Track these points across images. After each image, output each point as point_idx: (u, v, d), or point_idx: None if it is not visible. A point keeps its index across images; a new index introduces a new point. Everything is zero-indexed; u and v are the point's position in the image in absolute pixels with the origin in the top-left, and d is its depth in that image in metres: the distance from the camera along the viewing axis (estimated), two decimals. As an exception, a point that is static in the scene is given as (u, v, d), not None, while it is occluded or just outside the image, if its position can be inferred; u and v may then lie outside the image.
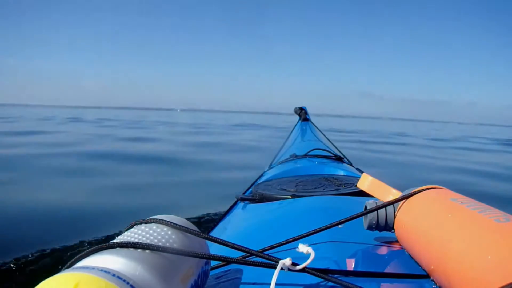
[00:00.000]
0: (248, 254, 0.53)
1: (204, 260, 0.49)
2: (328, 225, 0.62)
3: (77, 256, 0.40)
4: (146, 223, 0.48)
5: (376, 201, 0.65)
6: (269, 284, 0.44)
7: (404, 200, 0.61)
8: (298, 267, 0.48)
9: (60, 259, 1.82)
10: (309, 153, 1.90)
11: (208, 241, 0.51)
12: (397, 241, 0.64)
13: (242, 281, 0.56)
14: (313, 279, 0.50)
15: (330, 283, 0.50)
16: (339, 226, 0.62)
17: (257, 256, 0.50)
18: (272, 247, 0.62)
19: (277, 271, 0.46)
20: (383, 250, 0.64)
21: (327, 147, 2.21)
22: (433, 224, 0.51)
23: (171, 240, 0.45)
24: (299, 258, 0.49)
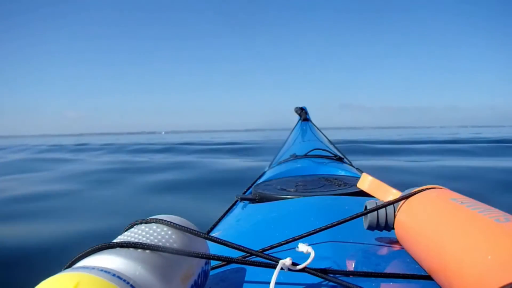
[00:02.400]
0: (248, 254, 0.53)
1: (204, 260, 0.49)
2: (328, 225, 0.62)
3: (77, 256, 0.40)
4: (146, 223, 0.48)
5: (376, 201, 0.65)
6: (269, 283, 0.44)
7: (404, 200, 0.61)
8: (298, 267, 0.48)
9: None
10: (309, 153, 1.90)
11: (208, 241, 0.51)
12: (397, 241, 0.64)
13: (242, 281, 0.56)
14: (313, 279, 0.51)
15: (330, 283, 0.50)
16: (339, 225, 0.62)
17: (257, 256, 0.50)
18: (272, 247, 0.62)
19: (277, 271, 0.46)
20: (383, 250, 0.64)
21: (327, 147, 2.21)
22: (433, 224, 0.51)
23: (171, 240, 0.45)
24: (299, 258, 0.49)
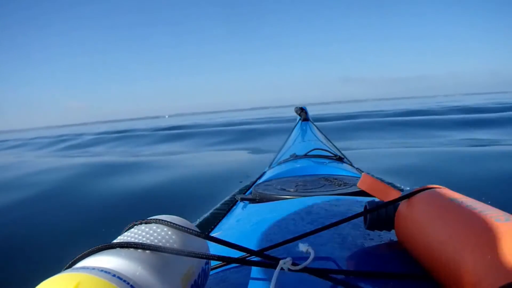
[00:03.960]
0: (248, 254, 0.53)
1: (204, 260, 0.49)
2: (328, 225, 0.62)
3: (77, 257, 0.40)
4: (146, 223, 0.48)
5: (376, 201, 0.65)
6: (269, 283, 0.44)
7: (404, 200, 0.61)
8: (298, 267, 0.48)
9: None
10: (309, 153, 1.90)
11: (208, 241, 0.51)
12: (397, 241, 0.64)
13: (242, 281, 0.56)
14: (313, 279, 0.51)
15: (330, 283, 0.50)
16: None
17: (257, 256, 0.50)
18: (272, 247, 0.62)
19: (277, 271, 0.46)
20: (383, 250, 0.64)
21: (327, 147, 2.21)
22: (433, 223, 0.51)
23: (171, 240, 0.45)
24: (299, 258, 0.49)
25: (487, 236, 0.41)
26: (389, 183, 0.70)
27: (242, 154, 6.94)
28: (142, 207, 3.06)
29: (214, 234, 0.91)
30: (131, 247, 0.40)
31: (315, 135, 2.60)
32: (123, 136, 14.03)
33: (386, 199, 0.65)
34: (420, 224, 0.54)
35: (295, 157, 1.91)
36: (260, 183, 1.41)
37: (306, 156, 1.88)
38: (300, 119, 2.91)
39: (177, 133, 12.74)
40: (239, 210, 1.19)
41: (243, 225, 0.96)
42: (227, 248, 0.51)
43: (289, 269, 0.48)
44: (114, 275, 0.34)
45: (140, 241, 0.42)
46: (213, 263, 0.56)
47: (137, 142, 11.08)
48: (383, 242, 0.67)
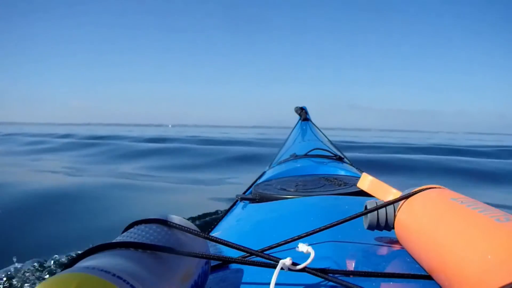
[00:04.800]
0: (248, 254, 0.53)
1: (204, 260, 0.49)
2: (328, 225, 0.62)
3: (77, 256, 0.40)
4: (146, 223, 0.48)
5: (376, 201, 0.65)
6: (269, 283, 0.44)
7: (404, 200, 0.61)
8: (298, 267, 0.48)
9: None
10: (309, 153, 1.90)
11: (208, 241, 0.51)
12: (397, 241, 0.64)
13: (242, 281, 0.56)
14: (313, 279, 0.51)
15: (330, 283, 0.50)
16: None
17: (257, 256, 0.50)
18: (272, 247, 0.62)
19: (277, 270, 0.46)
20: (383, 250, 0.64)
21: (328, 147, 2.21)
22: (433, 223, 0.51)
23: (171, 240, 0.45)
24: (299, 258, 0.49)
25: (487, 236, 0.41)
26: (389, 183, 0.70)
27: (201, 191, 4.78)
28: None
29: (214, 234, 0.91)
30: (131, 247, 0.40)
31: (315, 135, 2.60)
32: (95, 143, 11.80)
33: (386, 199, 0.65)
34: (420, 224, 0.54)
35: (295, 157, 1.90)
36: (260, 183, 1.41)
37: (306, 156, 1.88)
38: (300, 119, 2.91)
39: (157, 148, 10.36)
40: (239, 210, 1.19)
41: (243, 225, 0.96)
42: (227, 248, 0.51)
43: (289, 269, 0.47)
44: (114, 275, 0.34)
45: (140, 241, 0.42)
46: (213, 263, 0.56)
47: (99, 155, 9.07)
48: (383, 242, 0.66)
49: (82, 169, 6.44)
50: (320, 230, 0.61)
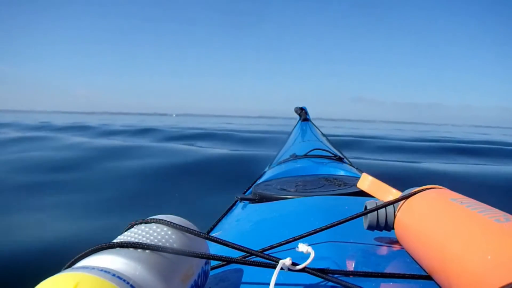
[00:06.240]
0: (248, 254, 0.53)
1: (204, 260, 0.49)
2: (328, 225, 0.62)
3: (77, 256, 0.40)
4: (146, 223, 0.48)
5: (376, 201, 0.65)
6: (269, 283, 0.44)
7: (404, 200, 0.61)
8: (298, 267, 0.48)
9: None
10: (309, 153, 1.90)
11: (208, 241, 0.51)
12: (397, 241, 0.64)
13: (242, 281, 0.56)
14: (313, 279, 0.51)
15: (330, 283, 0.50)
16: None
17: (257, 256, 0.50)
18: (272, 247, 0.62)
19: (276, 271, 0.46)
20: (383, 250, 0.64)
21: (327, 147, 2.21)
22: (433, 224, 0.51)
23: (171, 240, 0.45)
24: (299, 258, 0.49)
25: (487, 237, 0.41)
26: (389, 183, 0.70)
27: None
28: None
29: (214, 234, 0.91)
30: (131, 247, 0.40)
31: (315, 135, 2.60)
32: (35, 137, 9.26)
33: (386, 199, 0.65)
34: (420, 224, 0.54)
35: (295, 157, 1.90)
36: (260, 183, 1.41)
37: (306, 156, 1.88)
38: (300, 119, 2.91)
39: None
40: (239, 210, 1.19)
41: (243, 225, 0.96)
42: (227, 248, 0.51)
43: (289, 269, 0.48)
44: (114, 275, 0.34)
45: (140, 241, 0.42)
46: (213, 263, 0.56)
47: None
48: (383, 242, 0.67)
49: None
50: (320, 230, 0.62)
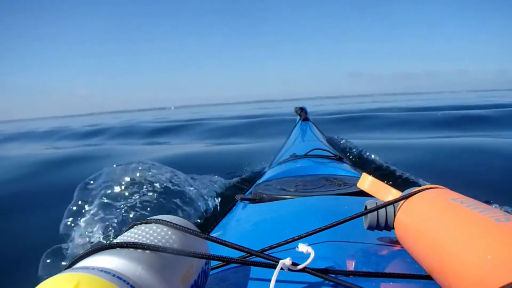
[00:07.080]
0: (248, 254, 0.53)
1: (204, 260, 0.49)
2: (328, 225, 0.62)
3: (77, 257, 0.40)
4: (146, 223, 0.48)
5: (376, 201, 0.65)
6: (269, 284, 0.44)
7: (404, 200, 0.61)
8: (298, 267, 0.48)
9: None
10: (309, 153, 1.90)
11: (208, 241, 0.51)
12: (397, 241, 0.64)
13: (242, 281, 0.56)
14: (313, 279, 0.51)
15: (330, 283, 0.51)
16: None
17: (257, 256, 0.50)
18: (272, 247, 0.62)
19: (277, 271, 0.46)
20: (383, 250, 0.64)
21: (327, 147, 2.21)
22: (433, 224, 0.51)
23: (171, 240, 0.45)
24: (299, 258, 0.49)
25: (487, 236, 0.41)
26: (389, 183, 0.70)
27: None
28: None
29: (214, 234, 0.91)
30: (131, 247, 0.40)
31: (315, 135, 2.60)
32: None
33: (386, 199, 0.65)
34: (420, 224, 0.54)
35: (295, 157, 1.91)
36: (260, 183, 1.41)
37: (306, 156, 1.88)
38: (300, 119, 2.91)
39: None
40: (239, 210, 1.19)
41: (243, 225, 0.96)
42: (227, 248, 0.51)
43: (289, 269, 0.48)
44: (114, 275, 0.34)
45: (140, 241, 0.42)
46: (213, 263, 0.56)
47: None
48: (383, 242, 0.67)
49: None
50: (320, 230, 0.62)
